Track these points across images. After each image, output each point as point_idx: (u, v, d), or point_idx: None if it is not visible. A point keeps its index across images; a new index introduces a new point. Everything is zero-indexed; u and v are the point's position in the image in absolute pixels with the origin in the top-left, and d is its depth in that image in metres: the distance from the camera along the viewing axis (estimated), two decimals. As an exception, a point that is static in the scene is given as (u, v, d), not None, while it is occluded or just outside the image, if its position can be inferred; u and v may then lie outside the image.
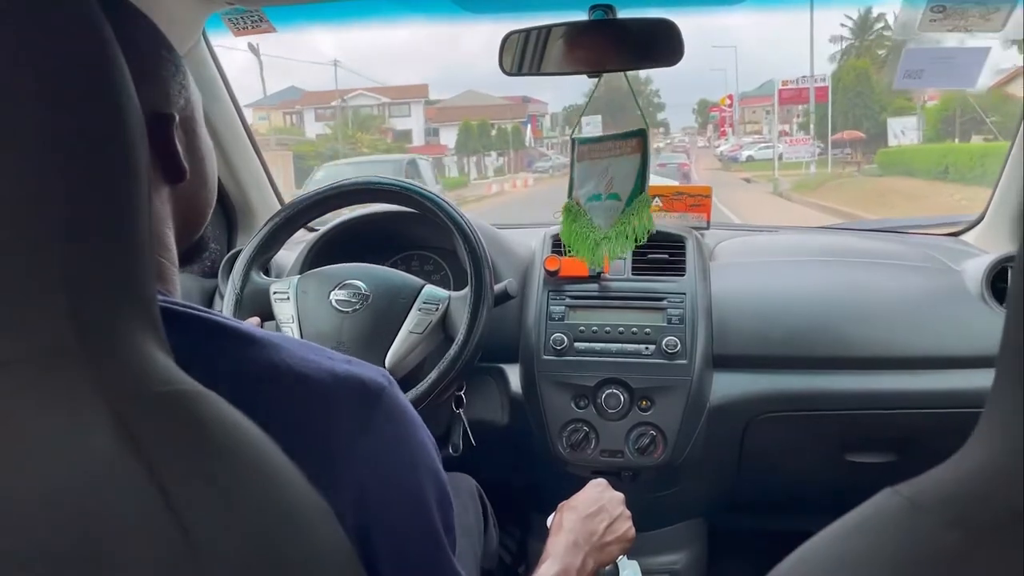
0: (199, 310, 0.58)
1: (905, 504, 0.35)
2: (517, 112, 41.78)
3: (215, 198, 0.70)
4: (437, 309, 1.33)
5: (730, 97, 37.32)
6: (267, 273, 1.48)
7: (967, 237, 1.85)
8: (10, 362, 0.38)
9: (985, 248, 1.72)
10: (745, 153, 30.94)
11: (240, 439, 0.43)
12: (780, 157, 25.75)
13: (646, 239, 1.28)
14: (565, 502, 1.13)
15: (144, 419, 0.39)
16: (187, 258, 0.70)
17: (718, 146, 36.52)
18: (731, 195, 16.39)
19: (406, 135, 39.52)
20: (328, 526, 0.49)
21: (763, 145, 32.03)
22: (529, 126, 41.99)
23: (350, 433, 0.58)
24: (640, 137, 1.26)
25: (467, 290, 1.32)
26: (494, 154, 37.21)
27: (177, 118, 0.62)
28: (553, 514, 1.13)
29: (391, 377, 0.63)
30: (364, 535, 0.58)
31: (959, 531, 0.32)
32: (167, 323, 0.46)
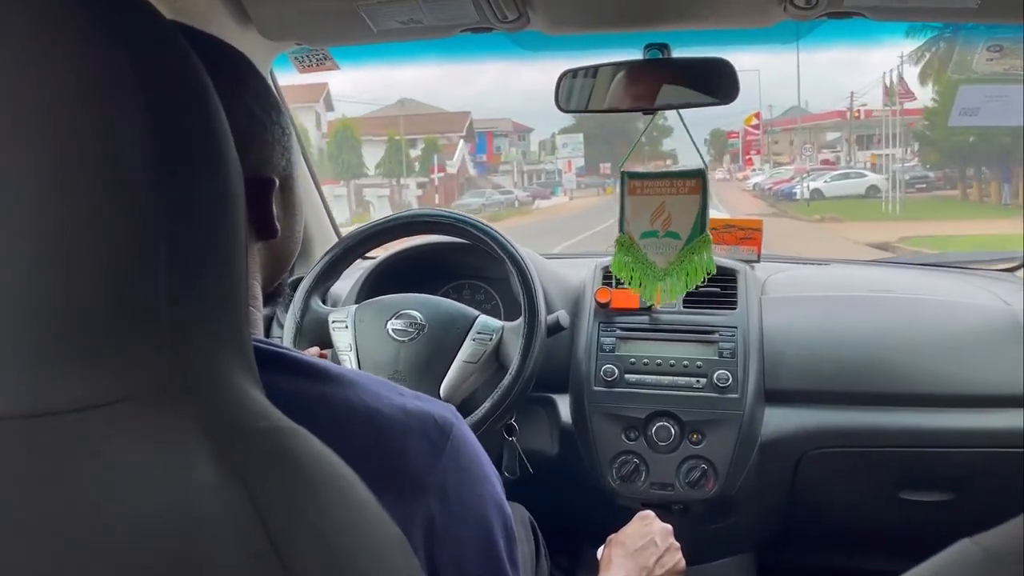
0: (281, 347, 0.61)
1: (982, 555, 0.35)
2: (454, 125, 30.18)
3: (299, 247, 0.73)
4: (491, 339, 1.35)
5: (757, 116, 27.70)
6: (325, 302, 1.52)
7: (1022, 273, 1.82)
8: (121, 400, 0.40)
9: (1042, 284, 1.70)
10: (810, 185, 21.60)
11: (331, 473, 0.45)
12: (873, 188, 19.83)
13: (705, 280, 1.29)
14: (613, 536, 1.13)
15: (245, 453, 0.41)
16: (265, 302, 0.72)
17: (746, 178, 27.38)
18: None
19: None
20: (406, 556, 0.51)
21: (838, 173, 22.48)
22: (481, 148, 31.33)
23: (421, 467, 0.60)
24: (699, 177, 1.28)
25: (520, 321, 1.35)
26: (412, 183, 27.30)
27: (277, 182, 0.65)
28: (603, 547, 1.13)
29: (458, 414, 0.65)
30: (433, 567, 0.60)
31: None
32: (257, 361, 0.48)
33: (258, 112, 0.64)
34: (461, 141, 29.60)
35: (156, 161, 0.39)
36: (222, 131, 0.44)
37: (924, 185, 20.34)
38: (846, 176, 22.21)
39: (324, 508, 0.43)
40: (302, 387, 0.59)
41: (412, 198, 26.10)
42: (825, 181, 21.75)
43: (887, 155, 22.66)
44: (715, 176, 30.69)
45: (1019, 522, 0.37)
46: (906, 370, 1.45)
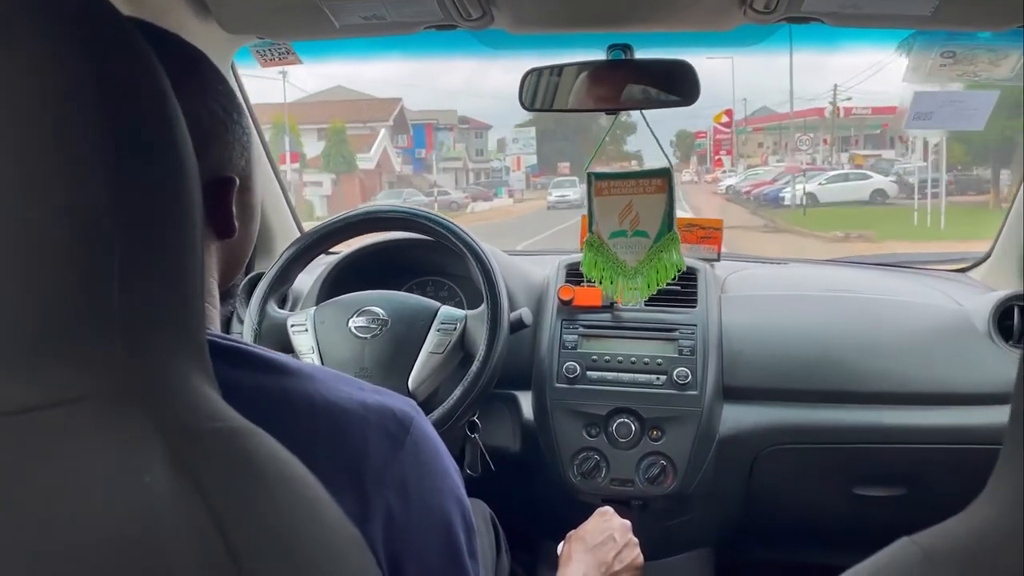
0: (239, 342, 0.61)
1: (920, 554, 0.36)
2: (379, 113, 24.92)
3: (254, 245, 0.73)
4: (455, 329, 1.35)
5: (728, 113, 25.00)
6: (283, 302, 1.50)
7: (974, 274, 1.87)
8: (76, 400, 0.40)
9: (992, 285, 1.74)
10: (802, 188, 17.41)
11: (287, 475, 0.45)
12: (879, 193, 16.40)
13: (676, 276, 1.31)
14: (573, 532, 1.14)
15: (199, 455, 0.41)
16: (220, 299, 0.72)
17: (716, 180, 24.35)
18: None
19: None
20: (362, 557, 0.51)
21: (836, 175, 18.48)
22: (420, 141, 26.87)
23: (380, 461, 0.60)
24: (665, 177, 1.30)
25: (483, 307, 1.35)
26: (327, 179, 22.98)
27: (238, 182, 0.65)
28: (563, 543, 1.14)
29: (419, 408, 0.66)
30: (394, 563, 0.60)
31: None
32: (213, 355, 0.48)
33: (219, 112, 0.64)
34: (383, 131, 24.41)
35: (112, 163, 0.39)
36: (180, 133, 0.44)
37: (936, 189, 16.23)
38: (845, 178, 18.23)
39: (281, 510, 0.43)
40: (261, 381, 0.59)
41: (315, 197, 22.48)
42: (820, 184, 17.68)
43: (876, 155, 19.31)
44: (682, 178, 27.39)
45: (958, 520, 0.38)
46: (861, 368, 1.48)
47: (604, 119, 1.38)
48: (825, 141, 23.73)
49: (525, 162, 24.95)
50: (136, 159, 0.41)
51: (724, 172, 24.89)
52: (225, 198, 0.64)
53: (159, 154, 0.43)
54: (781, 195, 18.27)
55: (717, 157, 25.74)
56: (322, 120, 24.17)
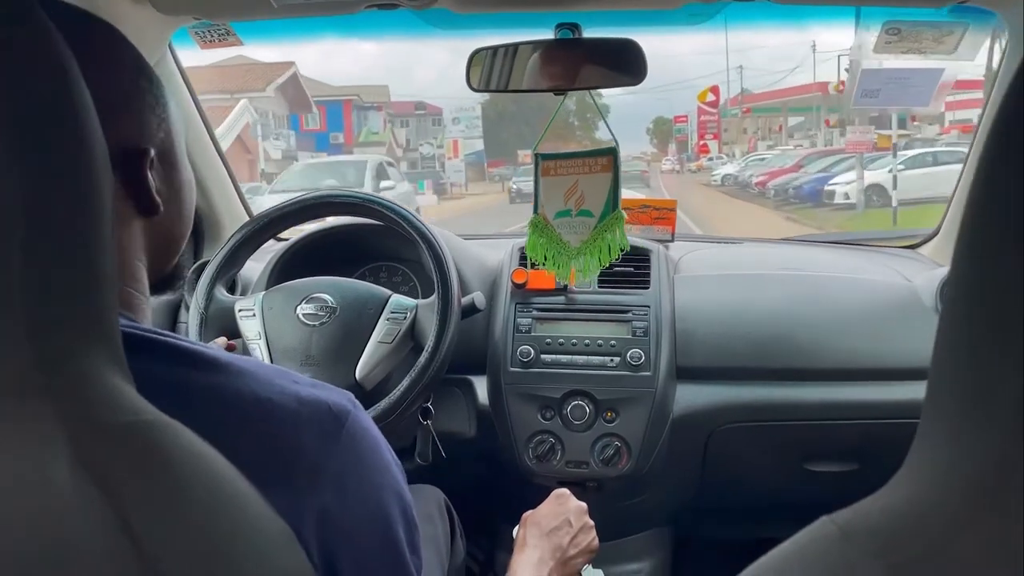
0: (167, 336, 0.59)
1: (836, 533, 0.35)
2: (254, 81, 17.29)
3: (191, 227, 0.70)
4: (405, 318, 1.34)
5: (714, 91, 21.05)
6: (232, 288, 1.47)
7: (924, 250, 1.90)
8: None
9: (940, 261, 1.77)
10: (891, 173, 11.33)
11: (203, 469, 0.44)
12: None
13: (620, 256, 1.31)
14: (528, 515, 1.13)
15: (107, 450, 0.40)
16: (160, 287, 0.70)
17: (701, 168, 20.60)
18: None
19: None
20: (289, 552, 0.50)
21: (919, 155, 12.57)
22: (335, 124, 21.63)
23: (315, 457, 0.59)
24: (611, 155, 1.29)
25: (434, 297, 1.34)
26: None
27: (152, 152, 0.62)
28: (519, 526, 1.14)
29: (356, 401, 0.64)
30: (329, 559, 0.59)
31: (882, 562, 0.32)
32: (135, 349, 0.46)
33: (124, 80, 0.61)
34: (244, 102, 15.93)
35: (8, 142, 0.38)
36: (83, 107, 0.42)
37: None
38: (932, 159, 11.97)
39: (197, 509, 0.42)
40: (189, 377, 0.57)
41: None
42: (890, 171, 11.48)
43: (906, 136, 13.21)
44: (661, 167, 24.05)
45: (875, 498, 0.37)
46: (812, 345, 1.49)
47: (570, 102, 1.37)
48: (828, 122, 19.27)
49: (468, 147, 20.03)
50: (36, 138, 0.39)
51: (711, 159, 20.83)
52: (140, 169, 0.61)
53: (60, 132, 0.41)
54: (824, 188, 12.48)
55: (702, 142, 21.49)
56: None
